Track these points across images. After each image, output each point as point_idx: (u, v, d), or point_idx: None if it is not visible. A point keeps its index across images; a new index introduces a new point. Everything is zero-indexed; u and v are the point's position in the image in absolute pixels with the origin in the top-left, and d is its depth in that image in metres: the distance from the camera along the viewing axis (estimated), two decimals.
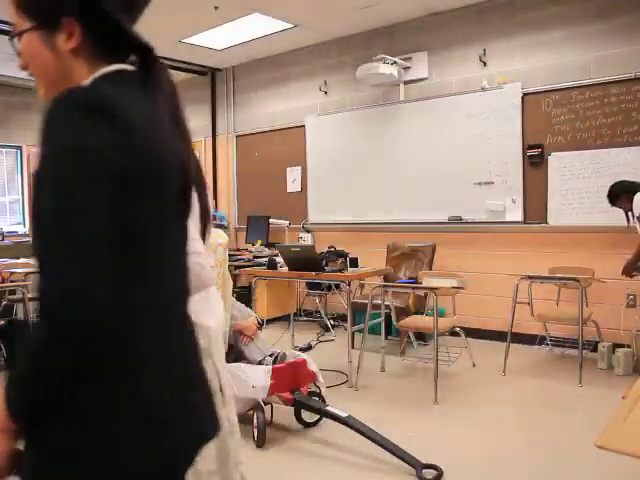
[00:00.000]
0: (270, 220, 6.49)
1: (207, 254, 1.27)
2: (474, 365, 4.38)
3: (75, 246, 0.81)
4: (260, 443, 2.96)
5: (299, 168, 6.51)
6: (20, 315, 5.11)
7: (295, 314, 4.96)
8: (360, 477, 2.67)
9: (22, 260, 5.55)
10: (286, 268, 4.17)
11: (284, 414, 3.31)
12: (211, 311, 1.41)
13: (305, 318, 6.27)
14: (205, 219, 1.33)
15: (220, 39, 6.12)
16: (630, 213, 3.94)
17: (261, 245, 6.43)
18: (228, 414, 1.45)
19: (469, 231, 5.28)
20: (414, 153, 5.54)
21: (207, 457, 1.33)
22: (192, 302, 1.26)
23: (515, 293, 4.18)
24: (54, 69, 0.98)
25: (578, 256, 4.66)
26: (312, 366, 3.23)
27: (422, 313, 4.59)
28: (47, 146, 0.84)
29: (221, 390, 1.41)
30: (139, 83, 0.97)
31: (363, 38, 5.94)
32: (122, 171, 0.85)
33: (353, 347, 4.45)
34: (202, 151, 7.66)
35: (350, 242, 5.76)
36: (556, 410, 3.47)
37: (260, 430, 2.96)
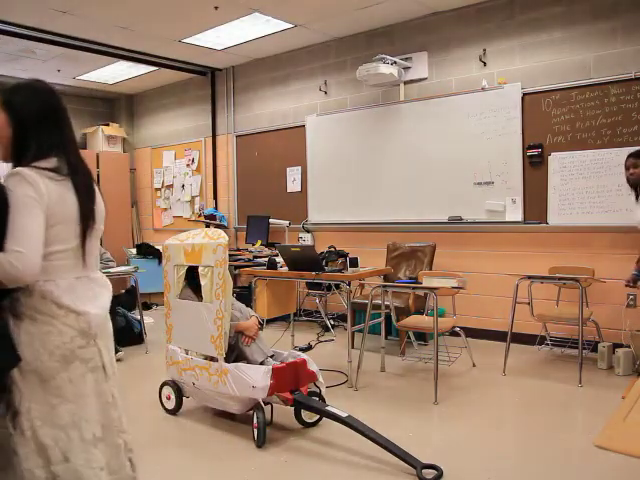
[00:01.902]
0: (270, 220, 6.48)
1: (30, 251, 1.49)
2: (474, 365, 4.38)
3: None
4: (260, 443, 2.96)
5: (299, 168, 6.51)
6: None
7: (295, 314, 4.96)
8: (360, 477, 2.67)
9: None
10: (286, 268, 4.17)
11: (284, 414, 3.31)
12: (94, 298, 1.64)
13: (305, 318, 6.27)
14: (83, 223, 1.61)
15: (220, 39, 6.12)
16: None
17: (261, 245, 6.43)
18: (110, 388, 1.66)
19: (469, 231, 5.28)
20: (414, 153, 5.54)
21: (92, 424, 1.58)
22: (71, 291, 1.58)
23: (515, 293, 4.18)
24: None
25: (578, 256, 4.66)
26: (312, 366, 3.23)
27: (422, 313, 4.59)
28: None
29: (104, 367, 1.64)
30: None
31: (363, 38, 5.95)
32: None
33: (353, 347, 4.45)
34: (202, 151, 7.68)
35: (350, 242, 5.78)
36: (556, 410, 3.47)
37: (260, 430, 2.96)
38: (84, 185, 1.65)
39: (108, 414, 1.64)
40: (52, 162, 1.59)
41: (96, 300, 1.66)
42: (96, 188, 1.73)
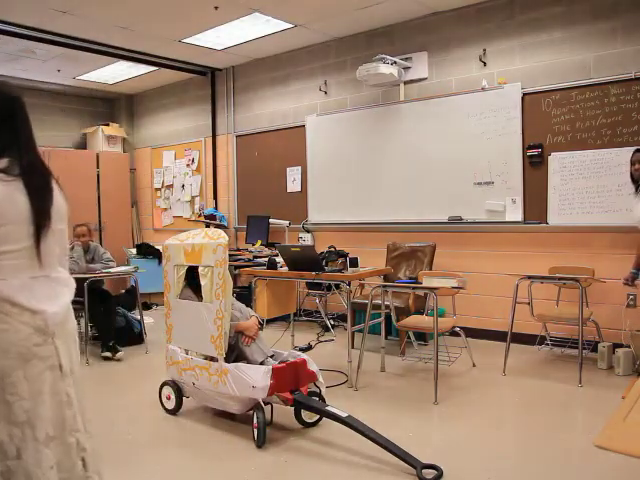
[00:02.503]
0: (270, 220, 6.49)
1: None
2: (474, 365, 4.38)
3: None
4: (260, 443, 2.96)
5: (299, 168, 6.51)
6: None
7: (295, 314, 4.96)
8: (360, 477, 2.67)
9: None
10: (286, 268, 4.17)
11: (284, 414, 3.31)
12: (54, 297, 1.66)
13: (305, 318, 6.27)
14: (37, 223, 1.62)
15: (220, 39, 6.12)
16: None
17: (261, 245, 6.44)
18: (66, 387, 1.65)
19: (469, 231, 5.28)
20: (414, 153, 5.54)
21: (46, 422, 1.59)
22: (26, 290, 1.59)
23: (515, 293, 4.18)
24: None
25: (578, 256, 4.66)
26: (312, 366, 3.23)
27: (422, 313, 4.59)
28: None
29: (60, 366, 1.63)
30: None
31: (363, 38, 5.95)
32: None
33: (353, 347, 4.46)
34: (202, 151, 7.68)
35: (350, 242, 5.78)
36: (556, 410, 3.47)
37: (260, 430, 2.96)
38: (38, 185, 1.66)
39: (62, 413, 1.65)
40: (2, 163, 1.61)
41: (56, 299, 1.67)
42: (55, 187, 1.73)
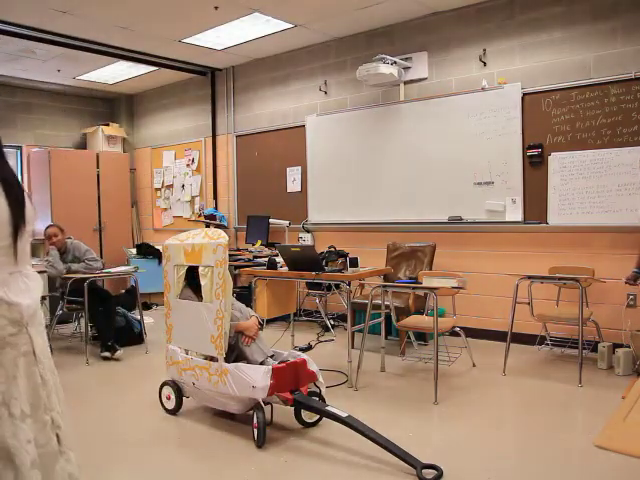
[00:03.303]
0: (270, 220, 6.49)
1: None
2: (474, 365, 4.38)
3: None
4: (260, 443, 2.96)
5: (299, 168, 6.51)
6: None
7: (295, 314, 4.96)
8: (360, 477, 2.66)
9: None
10: (286, 268, 4.17)
11: (284, 414, 3.31)
12: (26, 291, 1.79)
13: (305, 318, 6.27)
14: (14, 224, 1.74)
15: (220, 39, 6.12)
16: None
17: (261, 245, 6.44)
18: (40, 370, 1.79)
19: (469, 231, 5.28)
20: (414, 153, 5.54)
21: (21, 401, 1.71)
22: (4, 285, 1.71)
23: (515, 293, 4.18)
24: None
25: (578, 256, 4.66)
26: (312, 366, 3.23)
27: (422, 313, 4.59)
28: None
29: (34, 352, 1.77)
30: None
31: (363, 38, 5.95)
32: None
33: (353, 347, 4.46)
34: (202, 151, 7.68)
35: (350, 242, 5.78)
36: (556, 410, 3.47)
37: (260, 430, 2.96)
38: (17, 191, 1.79)
39: (37, 393, 1.76)
40: None
41: (29, 293, 1.81)
42: (25, 194, 1.87)
